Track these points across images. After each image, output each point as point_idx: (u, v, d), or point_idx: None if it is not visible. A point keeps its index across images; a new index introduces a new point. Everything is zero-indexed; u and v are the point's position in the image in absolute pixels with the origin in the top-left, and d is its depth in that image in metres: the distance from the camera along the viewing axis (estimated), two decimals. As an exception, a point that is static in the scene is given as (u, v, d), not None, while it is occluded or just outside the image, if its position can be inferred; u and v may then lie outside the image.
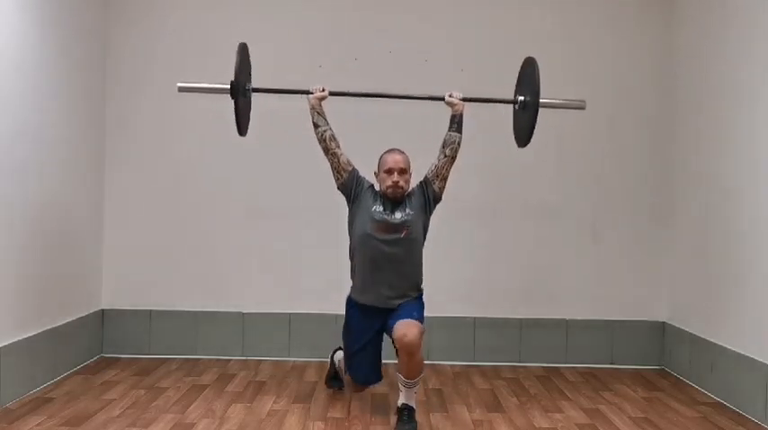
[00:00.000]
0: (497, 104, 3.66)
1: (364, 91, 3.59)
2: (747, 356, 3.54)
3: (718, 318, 3.87)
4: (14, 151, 3.48)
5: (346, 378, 3.64)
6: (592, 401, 3.75)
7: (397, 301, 3.36)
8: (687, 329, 4.21)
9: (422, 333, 3.22)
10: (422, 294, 3.48)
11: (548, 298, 4.54)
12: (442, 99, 3.48)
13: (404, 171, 3.37)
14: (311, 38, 4.49)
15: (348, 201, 3.45)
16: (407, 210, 3.36)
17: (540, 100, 3.36)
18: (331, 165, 3.43)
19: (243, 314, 4.50)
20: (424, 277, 3.48)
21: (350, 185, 3.41)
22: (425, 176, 3.45)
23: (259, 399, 3.65)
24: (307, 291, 4.45)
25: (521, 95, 3.53)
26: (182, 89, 3.50)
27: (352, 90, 3.55)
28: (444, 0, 4.58)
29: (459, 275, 4.50)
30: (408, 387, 3.25)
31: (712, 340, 3.90)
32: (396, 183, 3.34)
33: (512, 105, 3.60)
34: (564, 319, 4.53)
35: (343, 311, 3.54)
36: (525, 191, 4.53)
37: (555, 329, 4.51)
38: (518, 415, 3.49)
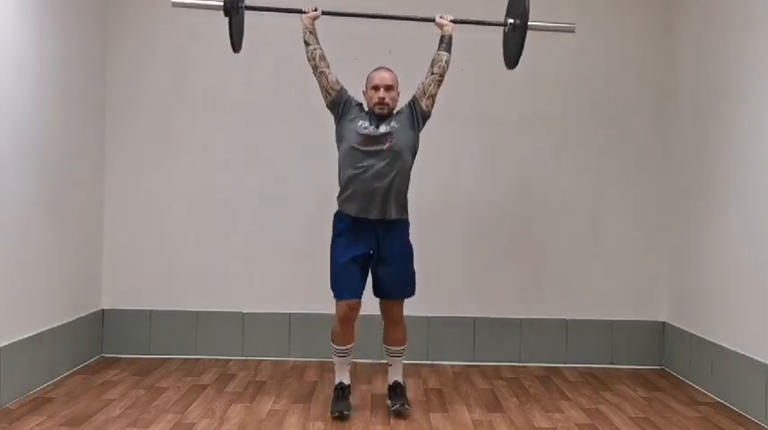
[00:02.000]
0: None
1: (356, 11, 3.67)
2: (747, 356, 3.54)
3: (719, 318, 3.87)
4: (14, 151, 3.48)
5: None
6: (592, 401, 3.75)
7: (383, 214, 3.35)
8: (687, 329, 4.21)
9: (403, 301, 3.48)
10: (407, 220, 3.48)
11: (548, 298, 4.54)
12: (433, 20, 3.55)
13: (390, 88, 3.41)
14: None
15: (335, 119, 3.49)
16: (392, 124, 3.39)
17: (529, 22, 3.44)
18: (320, 84, 3.47)
19: (243, 314, 4.50)
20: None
21: (338, 103, 3.46)
22: (413, 95, 3.49)
23: (259, 399, 3.65)
24: (306, 291, 4.45)
25: (510, 18, 3.60)
26: (175, 4, 3.57)
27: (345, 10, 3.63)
28: (445, 0, 4.57)
29: (460, 275, 4.50)
30: (396, 356, 3.53)
31: (712, 340, 3.90)
32: (381, 100, 3.38)
33: (503, 22, 3.64)
34: (564, 319, 4.53)
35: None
36: (525, 190, 4.53)
37: (555, 329, 4.51)
38: (518, 415, 3.49)
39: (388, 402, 3.51)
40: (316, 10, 3.50)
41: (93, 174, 4.39)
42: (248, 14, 3.64)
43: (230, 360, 4.42)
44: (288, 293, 4.50)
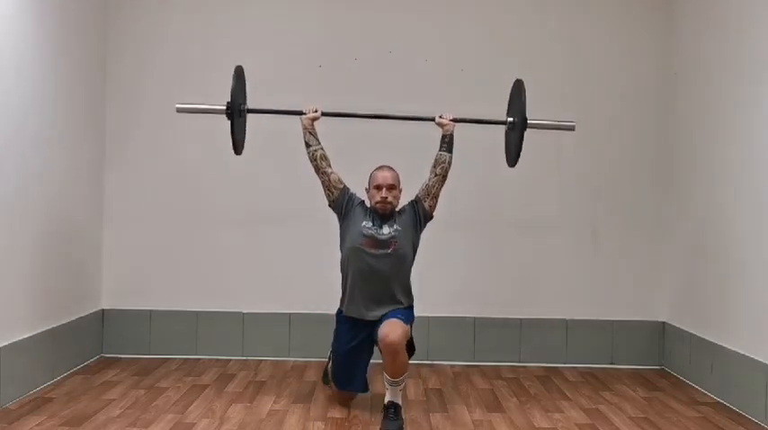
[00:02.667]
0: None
1: (356, 111, 3.68)
2: (747, 356, 3.54)
3: (718, 318, 3.87)
4: (14, 152, 3.48)
5: (332, 388, 3.63)
6: (592, 401, 3.75)
7: (382, 314, 3.41)
8: (687, 329, 4.21)
9: (406, 334, 3.29)
10: (412, 306, 3.54)
11: (548, 298, 4.54)
12: (433, 120, 3.55)
13: (393, 187, 3.45)
14: (311, 38, 4.49)
15: (339, 218, 3.54)
16: (396, 226, 3.43)
17: (529, 121, 3.43)
18: (322, 184, 3.51)
19: (243, 314, 4.50)
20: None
21: (341, 203, 3.50)
22: (416, 195, 3.53)
23: (259, 399, 3.65)
24: (307, 292, 4.45)
25: (510, 117, 3.60)
26: (180, 110, 3.61)
27: (346, 111, 3.66)
28: (445, 0, 4.58)
29: (460, 275, 4.50)
30: (393, 385, 3.29)
31: (712, 340, 3.90)
32: (384, 199, 3.42)
33: (503, 121, 3.66)
34: (564, 319, 4.53)
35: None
36: (525, 190, 4.52)
37: (555, 329, 4.51)
38: (518, 415, 3.49)
39: (380, 424, 3.27)
40: (316, 111, 3.53)
41: (94, 175, 4.39)
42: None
43: (230, 360, 4.42)
44: (288, 293, 4.50)
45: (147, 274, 4.50)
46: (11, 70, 3.45)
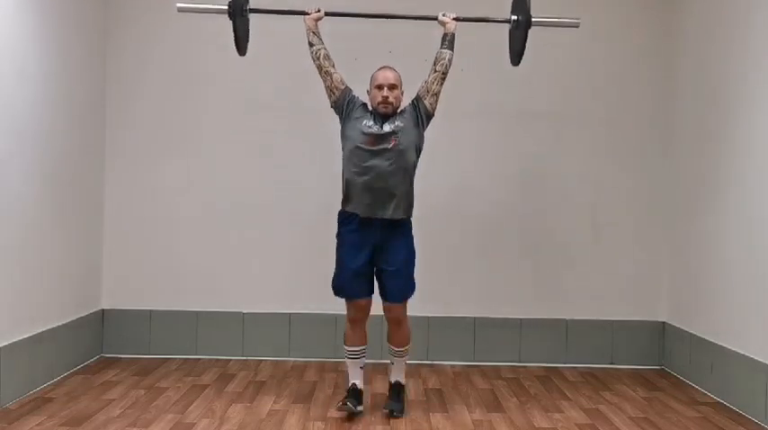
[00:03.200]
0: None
1: (359, 11, 3.69)
2: (747, 356, 3.54)
3: (719, 318, 3.87)
4: (14, 151, 3.48)
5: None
6: (592, 401, 3.75)
7: (387, 213, 3.35)
8: (687, 329, 4.21)
9: (406, 302, 3.47)
10: (410, 223, 3.48)
11: (548, 298, 4.54)
12: (435, 18, 3.56)
13: (394, 86, 3.42)
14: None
15: (340, 119, 3.50)
16: (397, 123, 3.40)
17: (533, 18, 3.47)
18: (324, 84, 3.48)
19: (243, 314, 4.50)
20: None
21: (342, 103, 3.46)
22: (417, 93, 3.50)
23: (259, 399, 3.65)
24: (307, 291, 4.45)
25: (514, 15, 3.62)
26: (181, 9, 3.61)
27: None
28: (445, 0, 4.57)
29: (460, 275, 4.50)
30: (398, 356, 3.52)
31: (712, 340, 3.90)
32: (385, 99, 3.39)
33: (506, 19, 3.66)
34: (564, 319, 4.53)
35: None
36: (525, 190, 4.52)
37: (555, 329, 4.51)
38: (518, 415, 3.49)
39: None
40: (319, 11, 3.52)
41: (94, 174, 4.39)
42: (252, 16, 3.64)
43: (230, 360, 4.42)
44: (288, 293, 4.50)
45: (147, 274, 4.49)
46: (11, 70, 3.45)
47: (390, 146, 3.34)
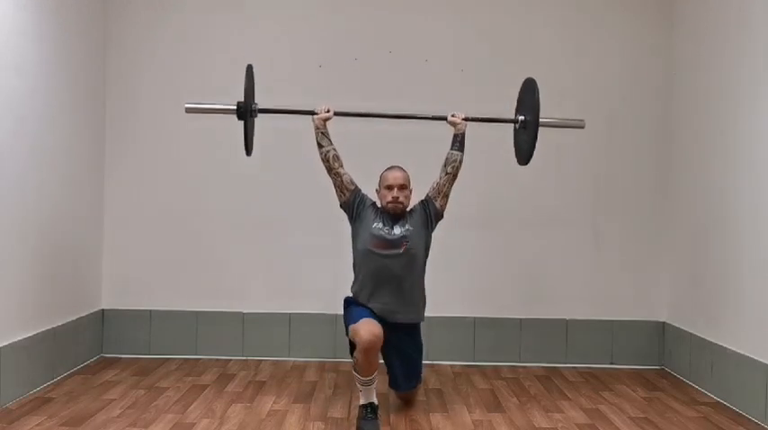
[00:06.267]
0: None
1: (368, 111, 3.67)
2: (747, 356, 3.54)
3: (718, 318, 3.87)
4: (14, 151, 3.48)
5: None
6: (592, 401, 3.75)
7: (399, 317, 3.41)
8: (687, 329, 4.21)
9: (418, 390, 3.57)
10: (420, 322, 3.56)
11: (548, 298, 4.54)
12: (445, 119, 3.55)
13: (403, 187, 3.44)
14: (311, 38, 4.49)
15: (350, 219, 3.53)
16: (407, 226, 3.43)
17: (540, 120, 3.43)
18: (334, 184, 3.50)
19: (243, 314, 4.50)
20: (424, 279, 3.50)
21: (352, 204, 3.49)
22: (427, 194, 3.53)
23: (259, 399, 3.65)
24: (307, 292, 4.45)
25: (521, 115, 3.60)
26: (189, 110, 3.55)
27: (354, 110, 3.63)
28: (445, 0, 4.58)
29: (460, 275, 4.50)
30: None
31: (712, 340, 3.90)
32: (395, 199, 3.41)
33: (513, 119, 3.66)
34: (564, 319, 4.53)
35: (342, 311, 3.55)
36: (525, 191, 4.52)
37: (555, 329, 4.51)
38: (518, 415, 3.49)
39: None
40: (328, 111, 3.50)
41: (93, 174, 4.39)
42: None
43: (230, 360, 4.42)
44: (288, 293, 4.50)
45: (147, 274, 4.49)
46: (11, 70, 3.45)
47: (401, 250, 3.38)
